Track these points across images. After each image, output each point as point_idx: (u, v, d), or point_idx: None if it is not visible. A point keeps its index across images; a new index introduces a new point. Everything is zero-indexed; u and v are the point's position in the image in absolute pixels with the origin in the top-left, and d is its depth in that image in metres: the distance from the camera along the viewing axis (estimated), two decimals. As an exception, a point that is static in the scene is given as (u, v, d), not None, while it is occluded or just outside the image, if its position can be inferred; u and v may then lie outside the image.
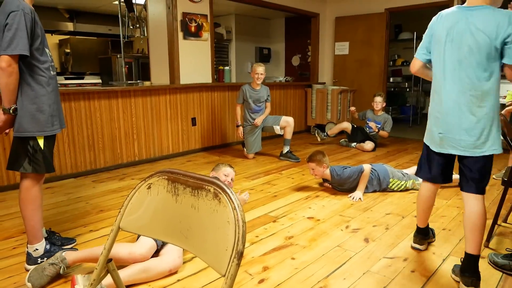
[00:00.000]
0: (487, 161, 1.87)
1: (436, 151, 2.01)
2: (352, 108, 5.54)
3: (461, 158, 1.94)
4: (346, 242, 2.44)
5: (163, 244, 2.09)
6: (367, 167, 3.32)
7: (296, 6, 6.50)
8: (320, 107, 6.61)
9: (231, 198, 0.93)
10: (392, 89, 8.39)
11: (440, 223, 2.73)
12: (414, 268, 2.12)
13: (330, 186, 3.52)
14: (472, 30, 1.78)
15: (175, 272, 2.04)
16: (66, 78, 5.72)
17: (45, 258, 2.08)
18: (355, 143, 5.44)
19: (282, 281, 1.98)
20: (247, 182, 3.76)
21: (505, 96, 4.69)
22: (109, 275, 1.15)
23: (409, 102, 8.53)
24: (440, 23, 1.92)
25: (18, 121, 1.95)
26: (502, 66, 1.83)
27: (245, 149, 4.86)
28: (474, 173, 1.89)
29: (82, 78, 6.37)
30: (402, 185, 3.42)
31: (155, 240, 2.04)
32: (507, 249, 2.25)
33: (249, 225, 2.71)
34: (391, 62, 8.17)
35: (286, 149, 4.76)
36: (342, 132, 5.71)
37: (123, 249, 1.94)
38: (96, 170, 4.13)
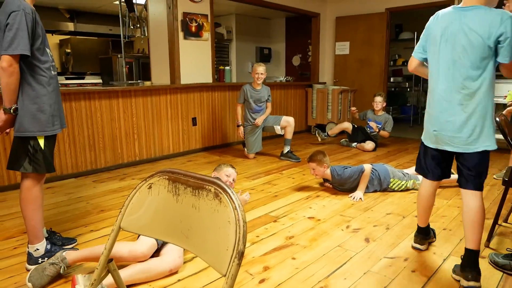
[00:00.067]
0: (482, 157, 1.91)
1: (432, 147, 2.06)
2: (353, 108, 5.54)
3: (458, 155, 1.98)
4: (347, 242, 2.44)
5: (163, 243, 2.09)
6: (367, 167, 3.32)
7: (297, 6, 6.50)
8: (321, 107, 6.61)
9: (231, 198, 0.93)
10: (393, 89, 8.39)
11: (441, 223, 2.72)
12: (415, 268, 2.12)
13: (331, 186, 3.52)
14: (465, 30, 1.82)
15: (176, 272, 2.04)
16: (66, 78, 5.73)
17: (46, 258, 2.08)
18: (355, 143, 5.44)
19: (282, 281, 1.98)
20: (248, 182, 3.76)
21: (506, 96, 4.69)
22: (110, 275, 1.15)
23: (409, 102, 8.53)
24: (436, 23, 1.97)
25: (19, 120, 1.96)
26: (498, 65, 1.87)
27: (245, 149, 4.86)
28: (470, 170, 1.92)
29: (83, 78, 6.38)
30: (403, 185, 3.42)
31: (156, 239, 2.04)
32: (508, 249, 2.24)
33: (250, 225, 2.71)
34: (391, 62, 8.17)
35: (286, 149, 4.76)
36: (342, 132, 5.71)
37: (123, 248, 1.94)
38: (96, 170, 4.13)
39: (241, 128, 4.75)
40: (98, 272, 1.11)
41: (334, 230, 2.63)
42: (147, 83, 4.94)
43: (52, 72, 2.06)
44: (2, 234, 2.59)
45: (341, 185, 3.41)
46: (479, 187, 1.93)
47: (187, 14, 4.95)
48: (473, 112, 1.86)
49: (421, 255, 2.26)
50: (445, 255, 2.26)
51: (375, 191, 3.42)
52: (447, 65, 1.91)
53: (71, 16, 7.61)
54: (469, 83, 1.85)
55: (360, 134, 5.41)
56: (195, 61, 5.15)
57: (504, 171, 3.00)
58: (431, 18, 2.03)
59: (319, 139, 5.67)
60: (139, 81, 6.58)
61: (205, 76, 5.29)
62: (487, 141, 1.88)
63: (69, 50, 8.46)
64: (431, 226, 2.41)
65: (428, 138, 2.07)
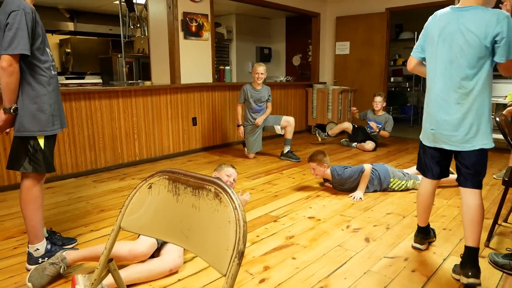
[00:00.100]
0: (480, 156, 1.93)
1: (430, 146, 2.09)
2: (353, 108, 5.54)
3: (456, 154, 2.00)
4: (347, 242, 2.44)
5: (163, 243, 2.09)
6: (367, 167, 3.32)
7: (297, 6, 6.50)
8: (321, 107, 6.61)
9: (232, 198, 0.93)
10: (393, 89, 8.38)
11: (441, 223, 2.72)
12: (415, 267, 2.12)
13: (331, 186, 3.52)
14: (462, 30, 1.85)
15: (176, 272, 2.04)
16: (66, 78, 5.73)
17: (46, 258, 2.08)
18: (355, 143, 5.44)
19: (282, 281, 1.98)
20: (248, 182, 3.76)
21: (506, 96, 4.69)
22: (110, 274, 1.15)
23: (410, 102, 8.53)
24: (434, 23, 2.00)
25: (19, 120, 1.96)
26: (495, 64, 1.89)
27: (245, 149, 4.86)
28: (469, 169, 1.95)
29: (83, 78, 6.38)
30: (403, 184, 3.42)
31: (155, 238, 2.04)
32: (508, 249, 2.25)
33: (250, 224, 2.71)
34: (391, 62, 8.16)
35: (286, 149, 4.76)
36: (343, 132, 5.71)
37: (123, 247, 1.94)
38: (96, 170, 4.13)
39: (241, 128, 4.75)
40: (98, 272, 1.11)
41: (334, 230, 2.63)
42: (147, 83, 4.94)
43: (52, 71, 2.06)
44: (2, 234, 2.59)
45: (341, 185, 3.41)
46: (478, 185, 1.96)
47: (187, 14, 4.94)
48: (469, 110, 1.89)
49: (421, 255, 2.26)
50: (445, 255, 2.26)
51: (375, 191, 3.42)
52: (444, 65, 1.93)
53: (71, 16, 7.61)
54: (466, 83, 1.88)
55: (360, 134, 5.41)
56: (195, 61, 5.15)
57: (504, 171, 3.00)
58: (430, 18, 2.06)
59: (319, 139, 5.67)
60: (139, 81, 6.59)
61: (205, 76, 5.29)
62: (484, 140, 1.90)
63: (69, 50, 8.46)
64: (431, 226, 2.41)
65: (426, 137, 2.10)
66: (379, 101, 5.25)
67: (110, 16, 7.94)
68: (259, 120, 4.67)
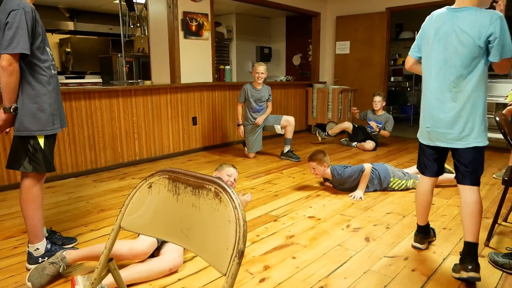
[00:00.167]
0: (476, 154, 1.97)
1: (426, 144, 2.13)
2: (354, 108, 5.53)
3: (453, 152, 2.05)
4: (347, 241, 2.44)
5: (163, 242, 2.09)
6: (368, 166, 3.32)
7: (297, 5, 6.49)
8: (321, 107, 6.61)
9: (231, 197, 0.93)
10: (393, 88, 8.38)
11: (441, 222, 2.73)
12: (415, 267, 2.12)
13: (331, 185, 3.52)
14: (457, 31, 1.90)
15: (176, 271, 2.04)
16: (66, 78, 5.72)
17: (46, 258, 2.08)
18: (355, 143, 5.44)
19: (283, 280, 1.98)
20: (248, 182, 3.76)
21: (507, 96, 4.68)
22: (110, 274, 1.15)
23: (410, 101, 8.52)
24: (431, 24, 2.05)
25: (19, 120, 1.95)
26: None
27: (246, 148, 4.86)
28: (466, 167, 1.99)
29: (83, 78, 6.38)
30: (403, 184, 3.42)
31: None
32: (507, 248, 2.25)
33: (250, 224, 2.71)
34: (392, 62, 8.16)
35: (287, 148, 4.76)
36: (343, 132, 5.71)
37: (123, 246, 1.94)
38: (97, 169, 4.13)
39: (242, 127, 4.75)
40: (98, 272, 1.11)
41: (334, 229, 2.63)
42: (147, 82, 4.94)
43: (52, 71, 2.06)
44: (2, 233, 2.59)
45: (341, 185, 3.41)
46: (476, 182, 2.00)
47: (187, 13, 4.94)
48: (464, 109, 1.94)
49: (421, 254, 2.26)
50: (445, 254, 2.26)
51: (375, 190, 3.42)
52: (439, 64, 1.99)
53: (71, 15, 7.60)
54: (460, 82, 1.93)
55: (360, 133, 5.40)
56: (195, 61, 5.15)
57: (504, 171, 3.00)
58: (427, 18, 2.12)
59: (320, 139, 5.67)
60: (139, 80, 6.59)
61: (205, 75, 5.29)
62: (478, 138, 1.95)
63: (69, 49, 8.46)
64: (431, 226, 2.41)
65: (422, 135, 2.15)
66: (378, 101, 5.25)
67: (110, 16, 7.94)
68: (259, 119, 4.66)
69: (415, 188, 3.44)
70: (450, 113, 1.97)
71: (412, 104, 8.15)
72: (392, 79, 8.05)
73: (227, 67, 6.24)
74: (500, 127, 2.26)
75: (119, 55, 7.46)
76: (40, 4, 6.74)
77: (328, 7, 7.12)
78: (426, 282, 1.96)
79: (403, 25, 8.26)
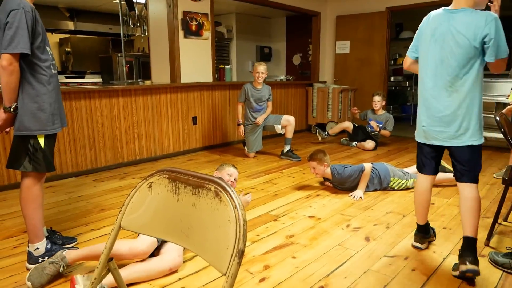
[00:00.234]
0: (473, 152, 2.01)
1: (423, 142, 2.16)
2: (354, 108, 5.53)
3: (450, 151, 2.08)
4: (347, 241, 2.44)
5: (163, 242, 2.10)
6: (368, 166, 3.32)
7: (297, 5, 6.49)
8: (321, 106, 6.60)
9: (232, 197, 0.93)
10: (393, 88, 8.38)
11: (441, 222, 2.72)
12: (415, 266, 2.12)
13: (331, 185, 3.52)
14: (453, 32, 1.94)
15: (176, 271, 2.04)
16: (66, 77, 5.73)
17: (46, 257, 2.08)
18: (356, 142, 5.44)
19: (283, 280, 1.98)
20: (248, 181, 3.76)
21: (509, 95, 4.68)
22: (110, 274, 1.15)
23: (410, 101, 8.51)
24: (428, 24, 2.08)
25: (19, 119, 1.95)
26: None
27: (246, 148, 4.86)
28: (463, 165, 2.03)
29: (83, 77, 6.38)
30: (403, 184, 3.42)
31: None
32: (507, 248, 2.25)
33: (250, 224, 2.71)
34: (392, 61, 8.16)
35: (287, 148, 4.76)
36: (343, 131, 5.70)
37: (123, 245, 1.94)
38: (97, 169, 4.13)
39: (242, 127, 4.74)
40: (98, 271, 1.11)
41: (334, 229, 2.64)
42: (147, 82, 4.94)
43: (52, 70, 2.06)
44: (2, 233, 2.59)
45: (341, 184, 3.41)
46: (474, 179, 2.03)
47: (187, 13, 4.94)
48: (460, 108, 1.97)
49: (421, 254, 2.26)
50: (445, 253, 2.26)
51: (375, 190, 3.42)
52: (435, 64, 2.02)
53: (71, 14, 7.60)
54: (456, 82, 1.96)
55: (360, 133, 5.40)
56: (195, 60, 5.14)
57: (504, 170, 3.00)
58: (424, 19, 2.15)
59: (320, 138, 5.67)
60: (139, 80, 6.59)
61: (205, 75, 5.29)
62: (474, 136, 1.99)
63: (69, 49, 8.46)
64: (431, 225, 2.41)
65: (419, 134, 2.18)
66: (378, 101, 5.24)
67: (110, 15, 7.94)
68: (260, 119, 4.66)
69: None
70: (446, 112, 2.00)
71: (412, 103, 8.13)
72: (392, 78, 8.04)
73: (227, 66, 6.24)
74: (500, 126, 2.26)
75: (119, 55, 7.46)
76: (40, 4, 6.73)
77: (328, 7, 7.12)
78: (426, 282, 1.97)
79: (403, 24, 8.25)
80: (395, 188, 3.42)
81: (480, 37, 1.86)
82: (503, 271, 2.05)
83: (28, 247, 2.11)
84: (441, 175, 3.34)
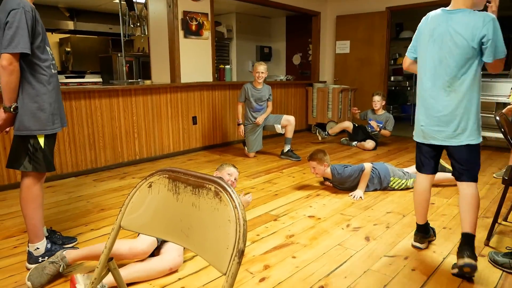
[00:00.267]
0: (471, 151, 2.03)
1: (421, 142, 2.18)
2: (355, 109, 5.53)
3: (449, 151, 2.09)
4: (347, 241, 2.44)
5: (163, 242, 2.10)
6: (368, 165, 3.32)
7: (297, 5, 6.49)
8: (321, 106, 6.60)
9: (232, 197, 0.93)
10: (393, 88, 8.38)
11: (441, 222, 2.73)
12: (415, 266, 2.12)
13: (331, 184, 3.52)
14: (451, 33, 1.95)
15: (176, 271, 2.04)
16: (66, 77, 5.72)
17: (46, 257, 2.08)
18: (356, 142, 5.44)
19: (283, 280, 1.98)
20: (248, 181, 3.76)
21: (509, 95, 4.68)
22: (110, 273, 1.15)
23: (410, 101, 8.51)
24: (426, 25, 2.10)
25: (19, 119, 1.95)
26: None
27: (246, 148, 4.86)
28: (462, 164, 2.05)
29: (83, 77, 6.38)
30: (403, 183, 3.42)
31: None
32: (507, 248, 2.25)
33: (250, 223, 2.71)
34: (392, 61, 8.16)
35: (287, 147, 4.76)
36: (343, 131, 5.70)
37: (123, 245, 1.94)
38: (97, 169, 4.13)
39: (242, 126, 4.75)
40: (98, 271, 1.11)
41: (334, 228, 2.64)
42: (147, 82, 4.94)
43: (52, 70, 2.06)
44: (2, 233, 2.59)
45: (341, 184, 3.41)
46: (473, 178, 2.05)
47: (187, 13, 4.94)
48: (458, 108, 1.99)
49: (421, 254, 2.26)
50: (445, 253, 2.26)
51: (375, 189, 3.42)
52: (434, 64, 2.04)
53: (71, 14, 7.60)
54: (454, 82, 1.98)
55: (360, 133, 5.40)
56: (196, 60, 5.14)
57: (504, 170, 3.00)
58: (423, 19, 2.16)
59: (320, 138, 5.67)
60: (139, 80, 6.59)
61: (206, 75, 5.29)
62: (471, 136, 2.00)
63: (69, 49, 8.45)
64: (431, 225, 2.41)
65: (417, 134, 2.19)
66: (377, 100, 5.24)
67: (110, 15, 7.94)
68: (260, 119, 4.66)
69: (415, 188, 3.44)
70: (444, 112, 2.02)
71: (412, 103, 8.13)
72: (392, 78, 8.04)
73: (227, 66, 6.24)
74: (500, 126, 2.26)
75: (119, 55, 7.46)
76: (40, 4, 6.73)
77: (328, 7, 7.12)
78: (426, 282, 1.97)
79: (403, 24, 8.25)
80: (395, 188, 3.42)
81: (478, 38, 1.88)
82: (503, 271, 2.05)
83: (28, 247, 2.11)
84: (441, 175, 3.34)
